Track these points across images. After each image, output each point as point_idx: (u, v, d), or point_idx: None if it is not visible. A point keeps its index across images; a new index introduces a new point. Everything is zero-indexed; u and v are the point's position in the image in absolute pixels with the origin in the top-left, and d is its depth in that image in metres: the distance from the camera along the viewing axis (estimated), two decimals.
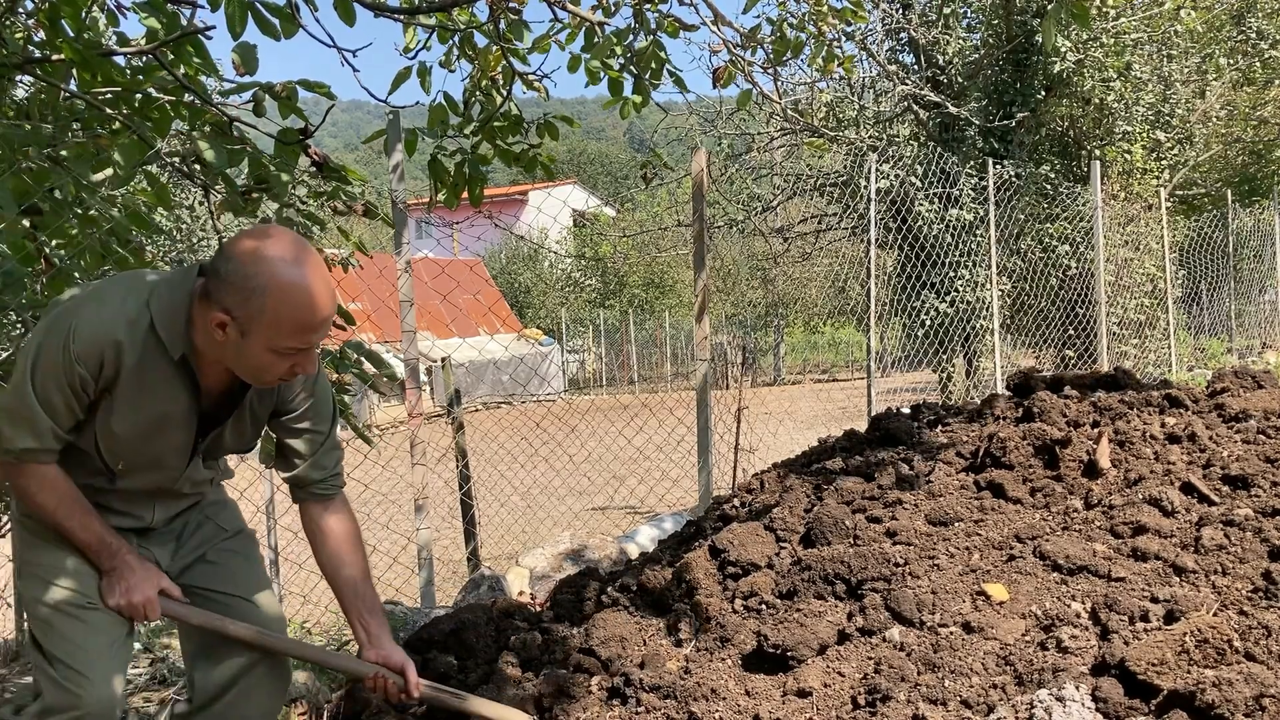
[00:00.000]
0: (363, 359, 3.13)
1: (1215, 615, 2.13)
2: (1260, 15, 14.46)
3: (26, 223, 2.64)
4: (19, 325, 2.91)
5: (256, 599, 2.23)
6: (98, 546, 1.95)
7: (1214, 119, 15.76)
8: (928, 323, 9.95)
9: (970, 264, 9.93)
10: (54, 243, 2.82)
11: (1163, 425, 3.07)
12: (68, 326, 1.82)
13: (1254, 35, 14.55)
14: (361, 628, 2.18)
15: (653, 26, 3.55)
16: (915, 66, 11.47)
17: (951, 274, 9.88)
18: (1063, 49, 10.35)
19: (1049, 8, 9.24)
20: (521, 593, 4.76)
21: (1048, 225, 10.60)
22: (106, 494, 2.02)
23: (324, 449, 2.20)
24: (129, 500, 2.06)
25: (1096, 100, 11.51)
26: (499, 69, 3.30)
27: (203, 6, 2.68)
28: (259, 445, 3.16)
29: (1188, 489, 2.72)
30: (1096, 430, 3.11)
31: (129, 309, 1.86)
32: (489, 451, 9.59)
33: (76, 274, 2.79)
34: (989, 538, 2.71)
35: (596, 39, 3.45)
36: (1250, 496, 2.64)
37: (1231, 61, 14.75)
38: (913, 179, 9.84)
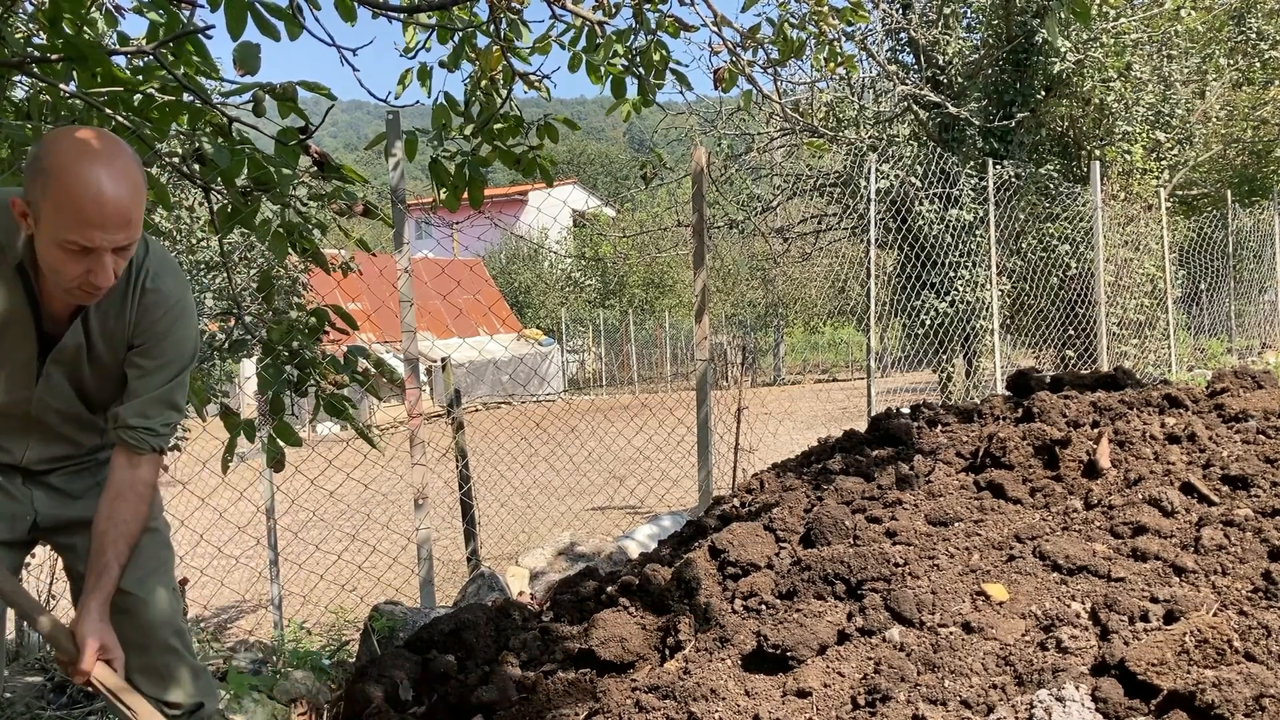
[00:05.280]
0: (368, 364, 3.13)
1: (1215, 615, 2.13)
2: (1260, 15, 14.47)
3: None
4: None
5: (145, 595, 2.14)
6: None
7: (1214, 119, 15.78)
8: (928, 323, 9.95)
9: (970, 264, 9.93)
10: None
11: (1163, 425, 3.07)
12: None
13: (1254, 35, 14.57)
14: (85, 591, 1.99)
15: (653, 26, 3.55)
16: (915, 66, 11.47)
17: (951, 274, 9.88)
18: (1063, 49, 10.36)
19: (1050, 4, 9.20)
20: (521, 592, 4.76)
21: (1048, 225, 10.61)
22: None
23: (156, 397, 2.05)
24: (2, 432, 2.01)
25: (1096, 100, 11.52)
26: (499, 69, 3.30)
27: (202, 6, 2.68)
28: (263, 447, 3.16)
29: (1188, 489, 2.72)
30: (1096, 430, 3.11)
31: None
32: (489, 451, 9.60)
33: None
34: (989, 538, 2.71)
35: (598, 39, 3.45)
36: (1250, 496, 2.64)
37: (1231, 61, 14.76)
38: (913, 179, 9.84)
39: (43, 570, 4.19)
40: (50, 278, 1.83)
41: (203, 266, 7.21)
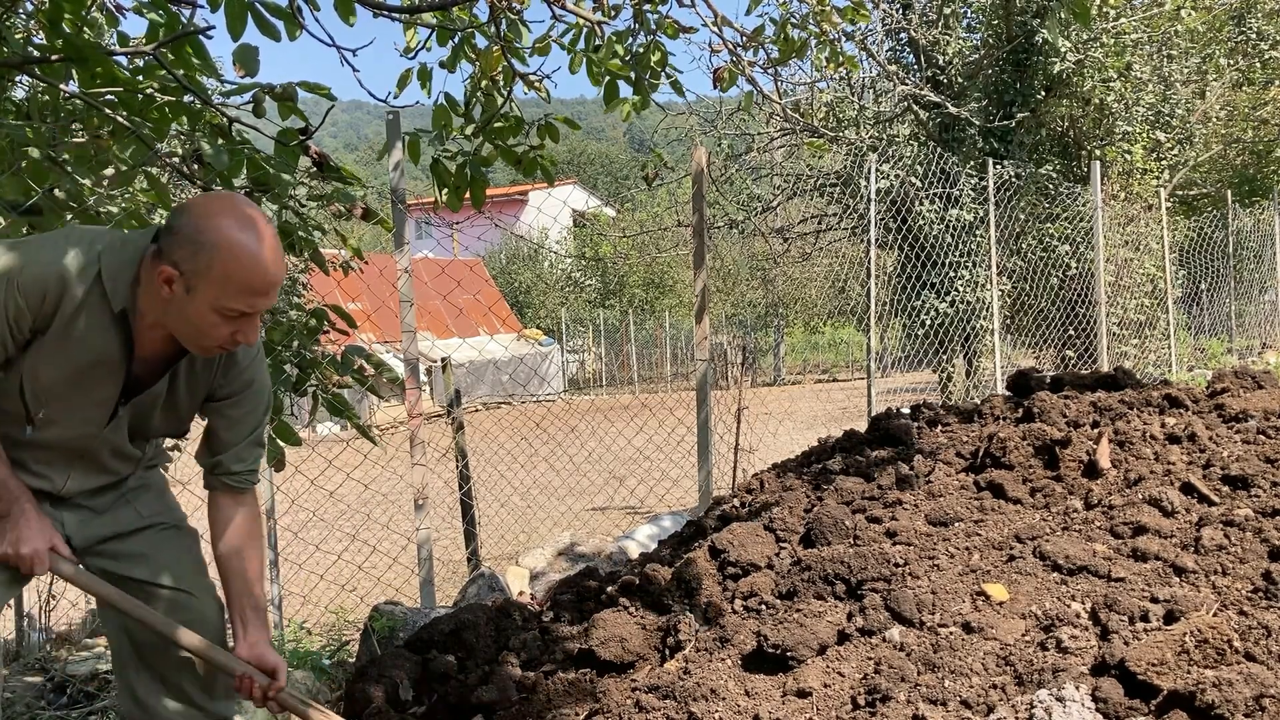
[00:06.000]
0: (364, 363, 3.13)
1: (1215, 615, 2.13)
2: (1260, 15, 14.47)
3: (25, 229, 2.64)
4: None
5: (202, 594, 2.20)
6: None
7: (1214, 119, 15.79)
8: (928, 323, 9.94)
9: (970, 264, 9.93)
10: None
11: (1163, 425, 3.07)
12: (16, 260, 1.83)
13: (1254, 35, 14.57)
14: (241, 623, 2.16)
15: (652, 27, 3.55)
16: (915, 66, 11.47)
17: (951, 274, 9.88)
18: (1063, 49, 10.36)
19: (1050, 4, 9.19)
20: (521, 592, 4.76)
21: (1048, 225, 10.61)
22: (22, 448, 1.99)
23: (250, 441, 2.19)
24: (45, 459, 2.02)
25: (1096, 100, 11.52)
26: (499, 69, 3.30)
27: (202, 6, 2.68)
28: (264, 448, 3.16)
29: (1188, 489, 2.72)
30: (1096, 430, 3.11)
31: (79, 255, 1.87)
32: (489, 451, 9.60)
33: None
34: (989, 538, 2.71)
35: (597, 40, 3.45)
36: (1250, 496, 2.64)
37: (1231, 61, 14.77)
38: (913, 179, 9.83)
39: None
40: (188, 336, 1.91)
41: None
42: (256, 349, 2.14)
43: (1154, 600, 2.26)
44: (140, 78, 2.66)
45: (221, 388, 2.11)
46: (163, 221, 1.91)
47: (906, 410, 3.99)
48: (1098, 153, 11.78)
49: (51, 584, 4.18)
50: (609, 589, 3.04)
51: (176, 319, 1.89)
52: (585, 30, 3.47)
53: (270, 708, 2.13)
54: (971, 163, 10.18)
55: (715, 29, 3.84)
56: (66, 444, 2.01)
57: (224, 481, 2.18)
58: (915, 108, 10.99)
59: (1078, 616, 2.28)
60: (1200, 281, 14.14)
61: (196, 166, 2.78)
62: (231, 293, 1.83)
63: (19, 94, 3.04)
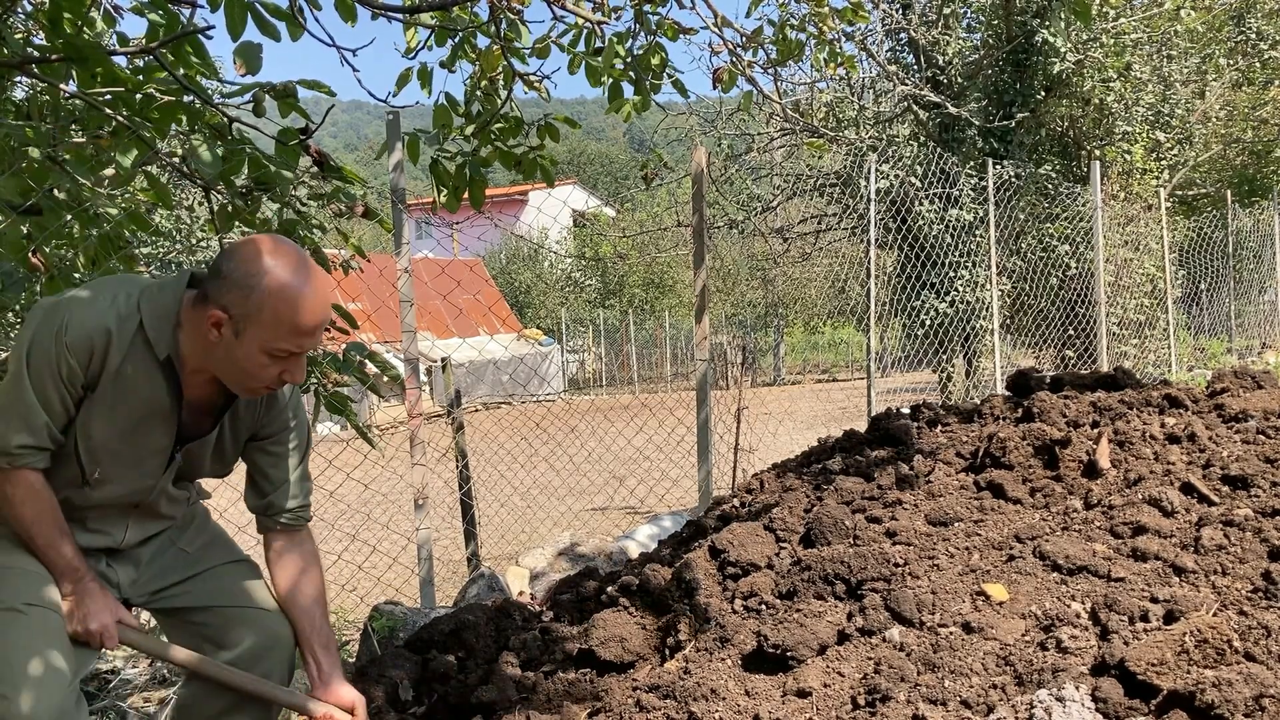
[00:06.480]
0: (366, 361, 3.13)
1: (1215, 615, 2.13)
2: (1260, 15, 14.48)
3: (24, 228, 2.64)
4: (19, 326, 2.91)
5: (271, 607, 2.20)
6: (63, 568, 1.93)
7: (1214, 119, 15.80)
8: (928, 323, 9.95)
9: (970, 264, 9.93)
10: (53, 243, 2.82)
11: (1162, 425, 3.07)
12: (60, 318, 1.83)
13: (1254, 35, 14.58)
14: (314, 663, 2.17)
15: (653, 28, 3.55)
16: (915, 67, 11.47)
17: (951, 274, 9.88)
18: (1063, 49, 10.36)
19: (1050, 4, 9.18)
20: (521, 592, 4.76)
21: (1048, 225, 10.61)
22: (81, 509, 2.00)
23: (297, 478, 2.20)
24: (103, 516, 2.03)
25: (1096, 100, 11.52)
26: (499, 69, 3.30)
27: (202, 6, 2.68)
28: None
29: (1187, 489, 2.72)
30: (1096, 430, 3.11)
31: (120, 305, 1.88)
32: (489, 451, 9.60)
33: (76, 275, 2.79)
34: (989, 538, 2.71)
35: (598, 41, 3.45)
36: (1250, 496, 2.64)
37: (1231, 61, 14.78)
38: (912, 179, 9.84)
39: None
40: (234, 378, 1.93)
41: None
42: (295, 387, 2.15)
43: (1154, 600, 2.26)
44: (140, 77, 2.65)
45: (265, 426, 2.12)
46: (191, 265, 1.92)
47: (906, 410, 3.98)
48: (1098, 153, 11.79)
49: None
50: (609, 589, 3.04)
51: (224, 362, 1.90)
52: (585, 31, 3.46)
53: None
54: (971, 163, 10.18)
55: (716, 29, 3.84)
56: (123, 498, 2.02)
57: (279, 521, 2.19)
58: (915, 108, 10.99)
59: (1078, 616, 2.28)
60: (1200, 281, 14.15)
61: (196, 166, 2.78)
62: (282, 334, 1.85)
63: (19, 94, 3.04)
